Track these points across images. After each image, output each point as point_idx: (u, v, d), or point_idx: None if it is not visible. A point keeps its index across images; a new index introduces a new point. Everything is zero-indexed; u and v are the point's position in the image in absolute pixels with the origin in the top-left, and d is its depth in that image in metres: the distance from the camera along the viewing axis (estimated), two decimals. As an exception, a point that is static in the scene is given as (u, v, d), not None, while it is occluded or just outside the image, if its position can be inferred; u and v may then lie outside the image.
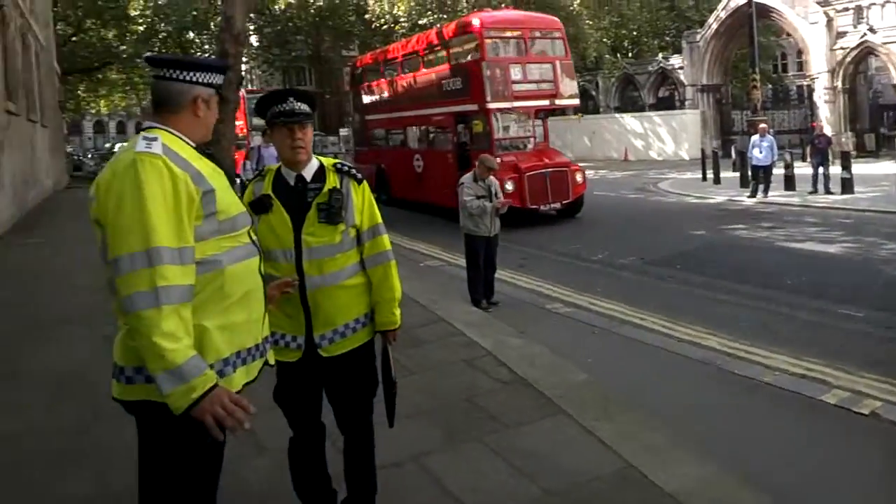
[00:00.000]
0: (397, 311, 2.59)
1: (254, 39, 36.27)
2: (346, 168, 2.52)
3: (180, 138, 1.89)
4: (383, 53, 17.44)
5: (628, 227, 12.01)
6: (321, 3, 30.81)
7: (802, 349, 5.21)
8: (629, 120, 32.52)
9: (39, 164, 17.11)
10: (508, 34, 13.17)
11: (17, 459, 3.33)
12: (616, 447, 3.33)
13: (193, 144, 1.93)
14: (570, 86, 13.31)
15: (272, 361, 2.09)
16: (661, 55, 35.03)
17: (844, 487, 3.35)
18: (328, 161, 2.54)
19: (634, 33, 35.43)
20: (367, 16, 28.80)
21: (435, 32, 14.85)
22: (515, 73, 12.52)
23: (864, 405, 4.19)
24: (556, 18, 14.66)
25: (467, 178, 6.88)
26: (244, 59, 13.16)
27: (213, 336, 1.81)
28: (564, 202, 12.55)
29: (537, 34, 13.45)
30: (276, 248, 2.40)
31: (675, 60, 32.88)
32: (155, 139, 1.79)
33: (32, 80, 16.71)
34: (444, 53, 13.99)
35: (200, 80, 1.94)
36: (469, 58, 13.06)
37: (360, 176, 2.53)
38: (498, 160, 11.39)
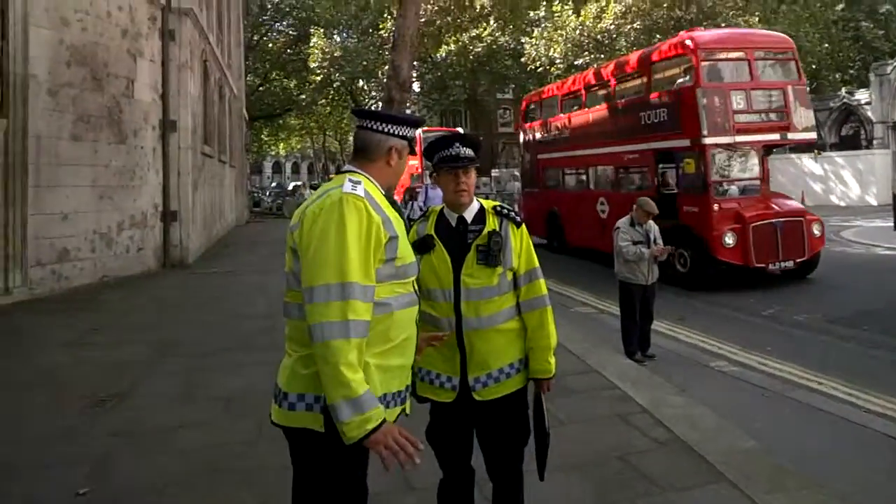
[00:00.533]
0: (552, 360, 2.56)
1: (416, 86, 38.36)
2: (505, 211, 2.57)
3: (375, 184, 2.06)
4: (562, 86, 15.95)
5: (805, 280, 10.70)
6: (479, 50, 31.90)
7: None
8: (807, 161, 29.76)
9: (225, 201, 19.21)
10: (729, 55, 11.17)
11: (188, 472, 3.65)
12: (793, 528, 3.00)
13: (383, 191, 2.09)
14: (805, 116, 11.03)
15: (409, 411, 2.14)
16: (844, 90, 32.00)
17: None
18: (489, 203, 2.60)
19: (813, 66, 32.70)
20: (522, 59, 29.32)
21: (633, 58, 13.08)
22: (738, 101, 10.51)
23: None
24: (786, 36, 12.51)
25: (623, 222, 6.67)
26: (406, 105, 13.84)
27: (373, 374, 1.90)
28: (798, 260, 10.27)
29: (764, 54, 11.30)
30: (435, 287, 2.48)
31: (861, 95, 29.86)
32: (359, 182, 1.97)
33: (225, 126, 18.99)
34: (643, 81, 12.16)
35: (396, 133, 2.12)
36: (678, 84, 11.22)
37: (518, 219, 2.57)
38: (716, 207, 10.02)
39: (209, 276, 10.87)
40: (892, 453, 4.30)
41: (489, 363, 2.48)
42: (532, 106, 17.29)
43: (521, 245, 2.53)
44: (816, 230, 10.49)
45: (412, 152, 2.23)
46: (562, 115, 15.09)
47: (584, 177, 14.37)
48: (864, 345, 6.90)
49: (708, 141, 10.20)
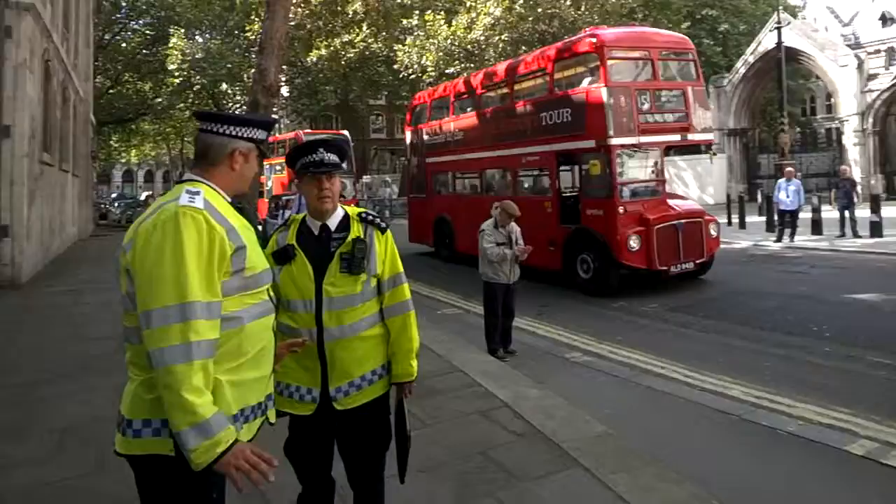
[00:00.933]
0: (415, 363, 2.57)
1: (284, 90, 37.33)
2: (370, 217, 2.55)
3: (218, 192, 1.95)
4: (454, 87, 15.05)
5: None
6: (351, 55, 31.65)
7: (829, 398, 5.08)
8: (654, 163, 32.37)
9: (67, 213, 17.58)
10: (634, 54, 10.96)
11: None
12: (633, 501, 3.25)
13: (229, 199, 1.99)
14: (703, 117, 11.05)
15: (273, 419, 2.09)
16: (685, 100, 35.03)
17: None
18: (353, 210, 2.57)
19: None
20: (395, 66, 29.46)
21: (534, 56, 12.45)
22: (642, 101, 10.25)
23: (892, 456, 4.06)
24: (685, 37, 12.52)
25: (488, 224, 6.90)
26: (274, 110, 13.19)
27: (226, 391, 1.82)
28: (698, 261, 10.23)
29: (667, 55, 11.10)
30: (296, 298, 2.42)
31: (701, 105, 32.91)
32: (198, 193, 1.85)
33: (68, 132, 17.39)
34: (544, 80, 11.59)
35: (240, 135, 2.01)
36: (584, 83, 10.78)
37: (383, 225, 2.56)
38: (621, 209, 9.76)
39: (45, 295, 9.91)
40: (725, 427, 4.73)
41: (351, 371, 2.45)
42: (420, 107, 16.46)
43: (385, 251, 2.51)
44: (713, 230, 10.60)
45: (263, 155, 2.14)
46: (454, 116, 14.48)
47: (477, 181, 13.83)
48: (701, 330, 7.61)
49: (614, 141, 9.85)
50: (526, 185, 12.44)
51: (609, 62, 10.17)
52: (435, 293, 10.64)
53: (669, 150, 11.25)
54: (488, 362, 5.88)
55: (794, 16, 29.05)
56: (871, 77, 26.60)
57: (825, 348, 6.50)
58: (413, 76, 28.45)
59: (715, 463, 4.11)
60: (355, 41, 30.36)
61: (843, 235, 14.75)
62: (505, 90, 12.92)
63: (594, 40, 10.41)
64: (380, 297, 2.52)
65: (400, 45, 28.78)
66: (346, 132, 27.23)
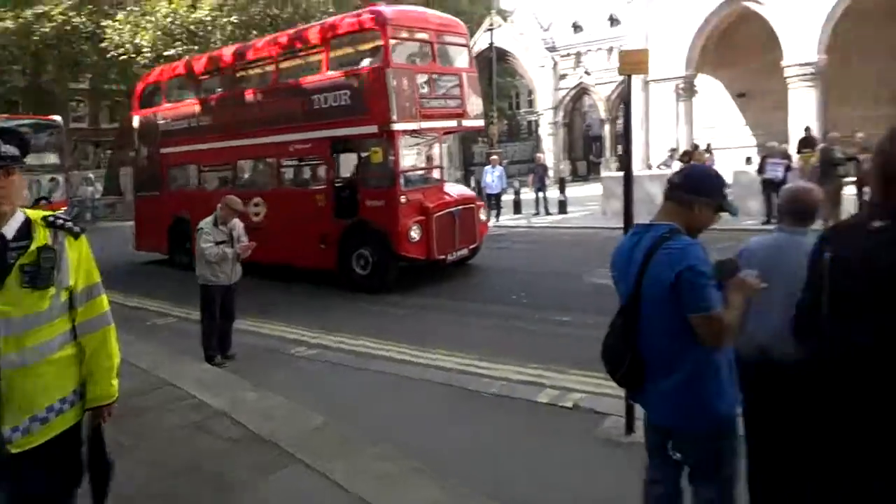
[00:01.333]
0: (115, 382, 2.31)
1: (-49, 68, 30.81)
2: (59, 221, 2.20)
3: None
4: (199, 63, 13.03)
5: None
6: (47, 30, 27.15)
7: (525, 357, 5.84)
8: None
9: None
10: (416, 35, 10.32)
11: None
12: (348, 485, 3.39)
13: None
14: (476, 104, 10.75)
15: None
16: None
17: (554, 477, 3.75)
18: (36, 214, 2.21)
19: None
20: (102, 44, 26.08)
21: (306, 32, 11.27)
22: (423, 85, 9.80)
23: (569, 399, 4.85)
24: (459, 21, 11.87)
25: (206, 222, 6.54)
26: None
27: None
28: (471, 247, 10.22)
29: (444, 38, 10.71)
30: None
31: (423, 99, 35.27)
32: None
33: None
34: (318, 58, 10.49)
35: None
36: (364, 63, 10.00)
37: (77, 229, 2.24)
38: (403, 199, 9.23)
39: None
40: (440, 397, 5.17)
41: (35, 403, 2.11)
42: (152, 87, 14.09)
43: (79, 259, 2.21)
44: (483, 215, 10.65)
45: None
46: (199, 98, 12.55)
47: (230, 173, 12.11)
48: (422, 310, 8.21)
49: (397, 127, 9.20)
50: (293, 177, 11.32)
51: (392, 42, 9.58)
52: (145, 303, 9.56)
53: (448, 135, 11.15)
54: (204, 371, 5.66)
55: (506, 20, 32.41)
56: (563, 77, 31.19)
57: (521, 314, 7.48)
58: (124, 57, 25.58)
59: (431, 433, 4.44)
60: (52, 14, 26.29)
61: (537, 214, 17.28)
62: (268, 68, 11.44)
63: (376, 18, 9.67)
64: (72, 312, 2.22)
65: (109, 22, 25.71)
66: (58, 118, 22.86)
